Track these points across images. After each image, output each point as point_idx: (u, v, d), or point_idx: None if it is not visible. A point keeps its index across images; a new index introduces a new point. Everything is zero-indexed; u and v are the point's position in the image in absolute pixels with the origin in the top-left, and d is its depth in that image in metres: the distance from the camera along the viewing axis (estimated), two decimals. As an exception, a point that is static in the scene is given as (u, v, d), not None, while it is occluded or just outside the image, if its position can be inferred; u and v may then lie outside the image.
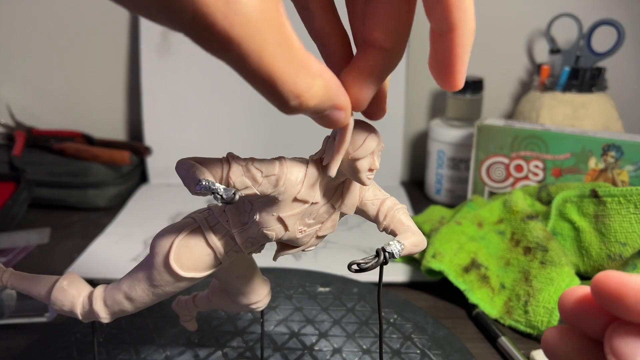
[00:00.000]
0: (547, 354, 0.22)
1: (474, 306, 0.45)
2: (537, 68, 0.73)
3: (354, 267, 0.23)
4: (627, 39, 0.67)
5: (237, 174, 0.22)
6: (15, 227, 0.61)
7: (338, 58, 0.22)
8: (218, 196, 0.21)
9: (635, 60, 0.79)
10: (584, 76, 0.67)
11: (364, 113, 0.23)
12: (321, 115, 0.19)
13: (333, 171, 0.22)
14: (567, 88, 0.68)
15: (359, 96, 0.20)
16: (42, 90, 0.80)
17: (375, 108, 0.23)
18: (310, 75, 0.17)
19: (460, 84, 0.20)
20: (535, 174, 0.60)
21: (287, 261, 0.52)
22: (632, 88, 0.81)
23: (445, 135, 0.70)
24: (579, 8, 0.73)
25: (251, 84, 0.16)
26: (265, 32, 0.15)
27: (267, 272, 0.33)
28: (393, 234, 0.25)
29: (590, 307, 0.20)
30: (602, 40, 0.68)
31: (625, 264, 0.44)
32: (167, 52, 0.75)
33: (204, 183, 0.21)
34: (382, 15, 0.19)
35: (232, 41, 0.14)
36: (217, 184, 0.21)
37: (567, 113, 0.66)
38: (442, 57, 0.19)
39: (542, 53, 0.79)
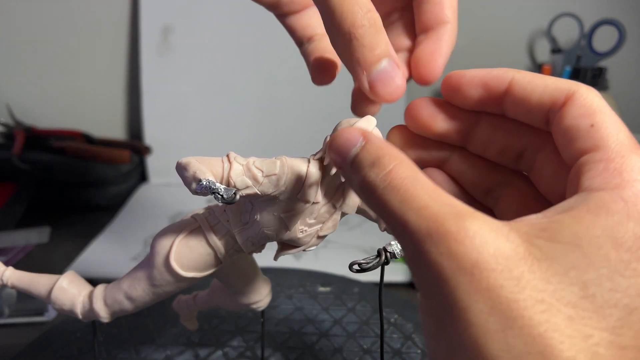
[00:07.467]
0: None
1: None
2: (538, 68, 0.73)
3: (355, 267, 0.23)
4: (628, 39, 0.67)
5: (237, 174, 0.21)
6: (15, 226, 0.61)
7: None
8: (219, 196, 0.20)
9: (637, 60, 0.79)
10: (585, 76, 0.67)
11: (353, 108, 0.24)
12: (379, 71, 0.20)
13: (334, 170, 0.22)
14: (568, 88, 0.67)
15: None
16: (42, 89, 0.80)
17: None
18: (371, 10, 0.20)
19: (437, 75, 0.22)
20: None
21: (288, 261, 0.52)
22: (634, 88, 0.81)
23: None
24: (580, 8, 0.73)
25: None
26: None
27: (268, 271, 0.33)
28: (394, 233, 0.25)
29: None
30: (604, 40, 0.68)
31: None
32: (167, 51, 0.75)
33: (204, 183, 0.21)
34: None
35: None
36: (218, 184, 0.21)
37: (568, 113, 0.66)
38: (423, 52, 0.22)
39: (543, 53, 0.79)
